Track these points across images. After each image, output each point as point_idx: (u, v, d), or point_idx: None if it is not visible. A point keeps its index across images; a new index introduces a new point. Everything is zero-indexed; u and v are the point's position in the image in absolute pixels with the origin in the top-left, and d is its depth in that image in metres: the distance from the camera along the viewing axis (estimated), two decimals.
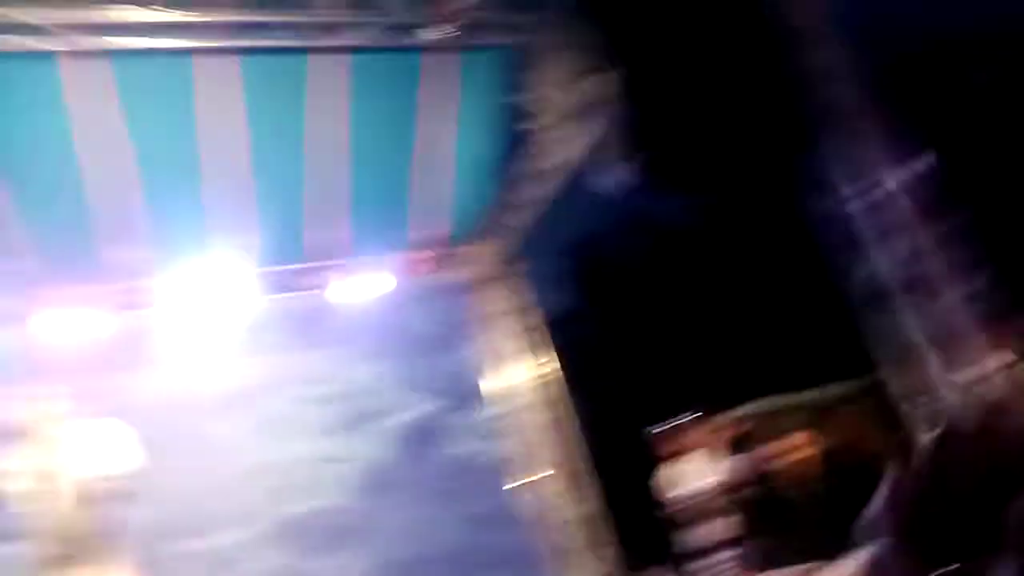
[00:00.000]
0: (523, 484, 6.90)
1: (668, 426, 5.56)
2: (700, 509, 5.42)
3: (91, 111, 5.02)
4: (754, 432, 6.81)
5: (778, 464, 6.87)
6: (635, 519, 6.85)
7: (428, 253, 7.19)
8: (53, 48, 4.53)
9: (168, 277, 6.32)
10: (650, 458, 5.80)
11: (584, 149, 5.71)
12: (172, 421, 6.27)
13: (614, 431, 7.80)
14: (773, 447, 6.90)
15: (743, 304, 8.00)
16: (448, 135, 6.23)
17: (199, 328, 6.51)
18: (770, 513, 6.15)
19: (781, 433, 7.18)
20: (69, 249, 5.79)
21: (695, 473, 5.52)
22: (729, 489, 5.49)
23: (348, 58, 5.46)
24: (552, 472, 6.97)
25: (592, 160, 5.24)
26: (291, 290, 6.85)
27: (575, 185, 5.91)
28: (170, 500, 5.99)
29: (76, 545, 3.49)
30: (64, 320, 6.09)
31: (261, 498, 6.35)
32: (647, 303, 8.16)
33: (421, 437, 6.85)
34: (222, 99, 5.39)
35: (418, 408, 6.93)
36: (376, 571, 6.33)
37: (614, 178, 4.81)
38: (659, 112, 4.24)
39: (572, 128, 5.73)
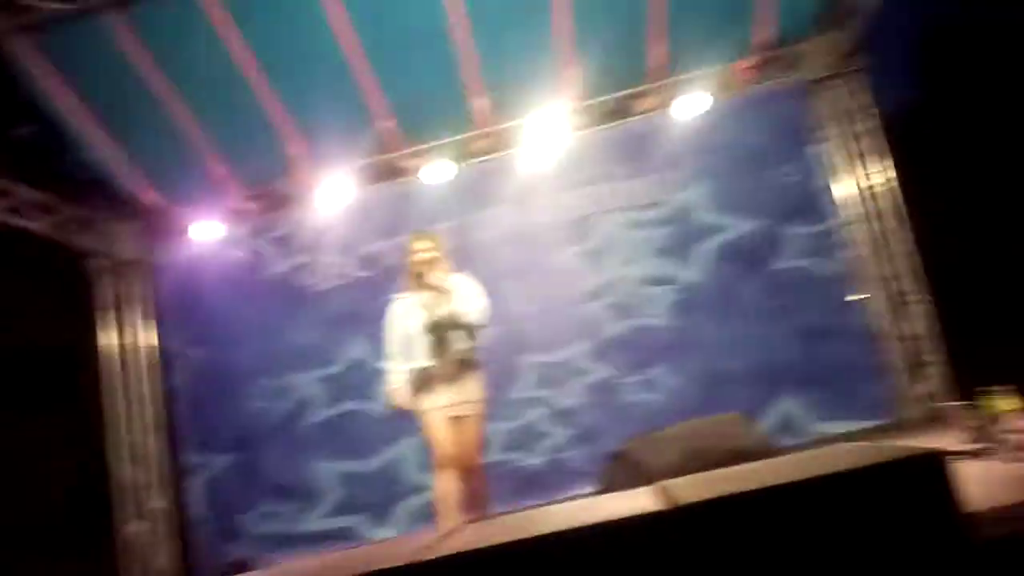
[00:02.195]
0: (855, 299, 6.70)
1: None
2: None
3: None
4: None
5: None
6: (969, 339, 6.43)
7: (754, 59, 6.80)
8: None
9: (500, 120, 6.87)
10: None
11: None
12: (516, 253, 6.98)
13: (954, 245, 7.13)
14: None
15: None
16: None
17: (532, 166, 7.01)
18: None
19: None
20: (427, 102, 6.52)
21: None
22: None
23: None
24: (886, 287, 6.67)
25: None
26: (615, 118, 7.00)
27: None
28: (519, 320, 6.80)
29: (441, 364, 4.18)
30: (426, 171, 6.98)
31: (595, 317, 6.86)
32: (1006, 98, 6.97)
33: (750, 254, 6.78)
34: None
35: (747, 225, 6.81)
36: (700, 383, 6.63)
37: None
38: None
39: None
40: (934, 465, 2.14)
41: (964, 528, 2.14)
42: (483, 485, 4.29)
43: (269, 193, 7.22)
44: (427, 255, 4.27)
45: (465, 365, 4.25)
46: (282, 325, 7.08)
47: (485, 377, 4.33)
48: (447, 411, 4.18)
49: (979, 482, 3.06)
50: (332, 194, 6.98)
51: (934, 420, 6.27)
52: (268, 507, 6.87)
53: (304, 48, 5.98)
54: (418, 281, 4.26)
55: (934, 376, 6.47)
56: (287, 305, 7.11)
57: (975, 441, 3.84)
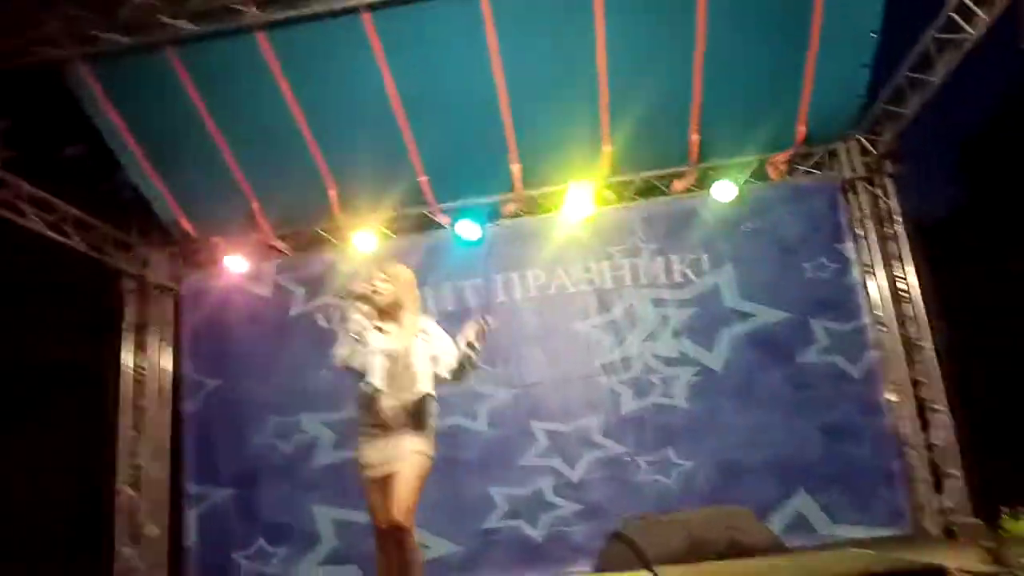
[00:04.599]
0: (877, 401, 6.51)
1: None
2: None
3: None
4: None
5: None
6: (993, 454, 6.20)
7: (788, 154, 6.92)
8: None
9: (533, 186, 7.01)
10: None
11: (982, 27, 5.01)
12: (537, 317, 6.99)
13: (983, 356, 6.95)
14: None
15: None
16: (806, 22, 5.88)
17: (562, 234, 7.07)
18: None
19: None
20: (463, 162, 6.67)
21: None
22: None
23: None
24: (912, 392, 6.49)
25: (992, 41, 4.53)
26: (647, 195, 7.14)
27: (967, 72, 5.17)
28: (535, 385, 6.80)
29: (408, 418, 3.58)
30: (457, 226, 7.08)
31: (611, 391, 6.75)
32: None
33: (775, 344, 6.67)
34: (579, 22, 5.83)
35: (774, 314, 6.73)
36: (713, 470, 6.46)
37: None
38: None
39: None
40: None
41: None
42: (410, 556, 3.43)
43: (300, 234, 7.35)
44: (384, 286, 3.74)
45: (416, 411, 3.56)
46: (299, 364, 7.02)
47: (435, 430, 3.66)
48: (376, 471, 3.52)
49: None
50: (362, 241, 7.06)
51: (951, 535, 6.04)
52: (263, 546, 6.72)
53: (351, 100, 6.17)
54: (374, 307, 3.71)
55: (954, 490, 6.24)
56: (306, 345, 7.08)
57: (991, 563, 3.66)
